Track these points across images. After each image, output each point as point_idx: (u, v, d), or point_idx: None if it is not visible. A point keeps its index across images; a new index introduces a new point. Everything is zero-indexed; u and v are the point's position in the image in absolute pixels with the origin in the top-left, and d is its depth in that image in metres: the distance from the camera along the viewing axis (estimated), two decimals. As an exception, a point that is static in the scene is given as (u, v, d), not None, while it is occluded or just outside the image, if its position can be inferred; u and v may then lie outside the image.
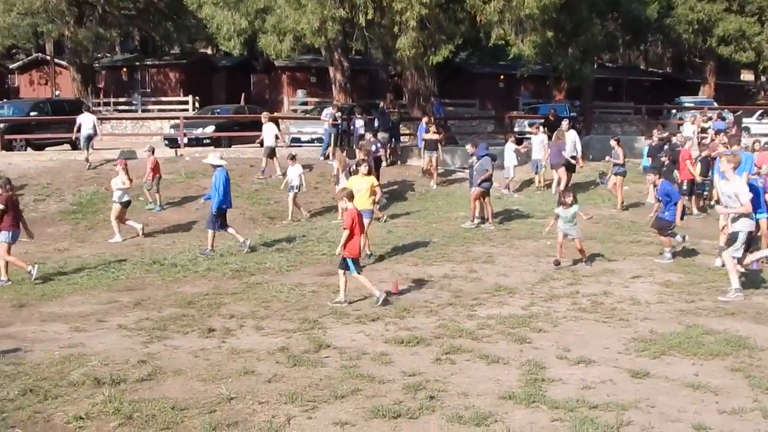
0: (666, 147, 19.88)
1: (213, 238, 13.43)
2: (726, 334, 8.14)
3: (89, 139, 20.72)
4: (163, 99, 40.89)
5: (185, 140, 23.61)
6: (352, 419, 5.83)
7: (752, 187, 12.14)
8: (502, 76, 44.25)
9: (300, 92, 40.87)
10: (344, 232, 9.74)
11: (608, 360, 7.32)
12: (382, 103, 33.80)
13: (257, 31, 26.53)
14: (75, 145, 22.85)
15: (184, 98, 38.59)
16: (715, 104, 35.45)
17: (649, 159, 19.42)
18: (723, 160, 10.80)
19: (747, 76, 60.99)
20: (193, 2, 28.21)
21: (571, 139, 20.53)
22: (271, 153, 20.41)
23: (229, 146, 23.94)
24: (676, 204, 12.52)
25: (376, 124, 23.08)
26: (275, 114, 33.11)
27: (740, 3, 36.82)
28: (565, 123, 21.74)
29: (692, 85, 47.56)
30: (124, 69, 44.87)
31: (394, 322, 8.76)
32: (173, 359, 7.28)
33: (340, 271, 9.82)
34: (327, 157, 22.47)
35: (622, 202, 18.27)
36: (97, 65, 43.82)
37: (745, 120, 33.98)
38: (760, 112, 36.81)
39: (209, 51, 51.25)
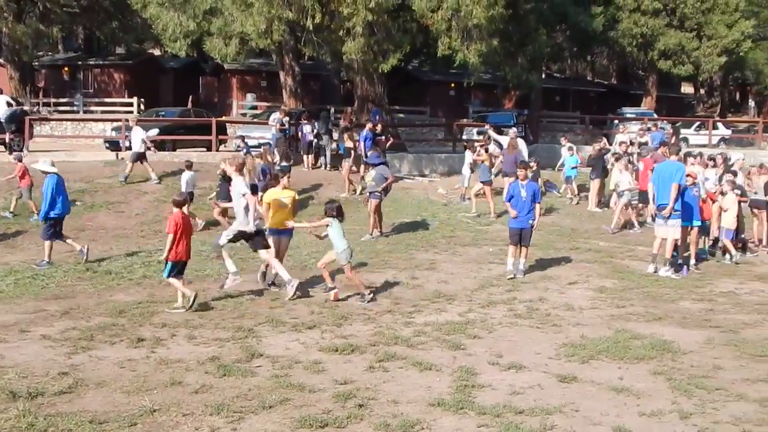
0: (606, 156, 20.32)
1: (50, 249, 12.74)
2: (652, 338, 8.31)
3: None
4: (107, 100, 39.98)
5: (127, 143, 23.19)
6: (279, 430, 5.76)
7: (687, 197, 12.51)
8: (453, 84, 44.61)
9: (249, 96, 40.57)
10: (168, 237, 9.59)
11: (538, 365, 7.40)
12: (332, 109, 33.78)
13: (204, 33, 26.32)
14: (9, 147, 22.25)
15: (129, 100, 37.88)
16: (655, 115, 36.27)
17: (590, 168, 19.83)
18: (225, 164, 10.67)
19: (687, 88, 62.68)
20: (138, 2, 27.82)
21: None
22: (140, 158, 19.47)
23: (174, 150, 23.59)
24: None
25: (314, 127, 23.14)
26: (223, 118, 32.89)
27: (680, 18, 37.82)
28: (513, 131, 22.05)
29: (636, 97, 48.63)
30: (66, 68, 43.67)
31: (331, 330, 8.71)
32: (97, 371, 7.08)
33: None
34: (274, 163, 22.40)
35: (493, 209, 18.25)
36: (36, 64, 42.70)
37: (683, 131, 34.90)
38: (697, 123, 37.86)
39: (157, 52, 50.51)
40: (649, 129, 24.10)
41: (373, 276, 11.78)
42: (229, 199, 15.20)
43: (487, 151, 19.57)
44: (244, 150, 18.81)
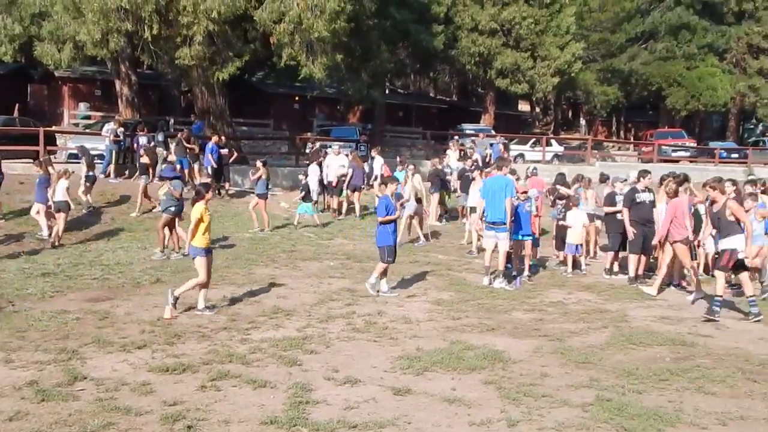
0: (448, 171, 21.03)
1: None
2: (485, 348, 8.55)
3: None
4: None
5: None
6: (99, 456, 5.43)
7: (520, 210, 13.10)
8: (297, 98, 44.56)
9: (83, 105, 38.58)
10: None
11: (374, 379, 7.42)
12: (171, 120, 32.82)
13: (33, 38, 24.79)
14: None
15: (-54, 107, 34.90)
16: (494, 132, 37.87)
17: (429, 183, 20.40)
18: None
19: (524, 106, 66.12)
20: (-42, 2, 25.80)
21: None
22: None
23: (-4, 161, 21.92)
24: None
25: (150, 139, 22.42)
26: (53, 128, 31.03)
27: (516, 39, 39.65)
28: (335, 147, 22.49)
29: (476, 113, 50.50)
30: None
31: (162, 349, 8.35)
32: None
33: None
34: (108, 175, 21.51)
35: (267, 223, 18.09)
36: None
37: (520, 147, 36.76)
38: (533, 140, 39.99)
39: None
40: (491, 145, 25.12)
41: (210, 292, 11.38)
42: None
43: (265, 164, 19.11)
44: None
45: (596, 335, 9.55)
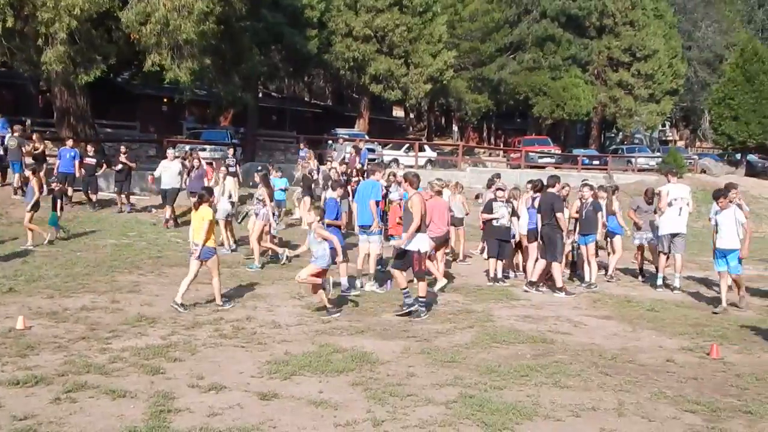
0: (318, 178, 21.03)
1: None
2: (353, 351, 8.57)
3: None
4: None
5: None
6: (-65, 479, 5.03)
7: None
8: (165, 99, 43.22)
9: (-74, 106, 35.97)
10: None
11: (240, 384, 7.28)
12: (28, 121, 31.12)
13: None
14: None
15: None
16: (367, 137, 38.20)
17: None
18: None
19: (399, 112, 67.12)
20: None
21: None
22: None
23: None
24: None
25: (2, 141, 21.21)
26: None
27: (389, 46, 40.13)
28: (170, 153, 20.93)
29: (351, 118, 50.73)
30: None
31: (13, 362, 7.85)
32: None
33: None
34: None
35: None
36: None
37: (394, 152, 37.28)
38: (407, 145, 40.66)
39: None
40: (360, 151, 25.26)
41: (68, 301, 10.90)
42: None
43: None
44: None
45: (462, 335, 9.78)
